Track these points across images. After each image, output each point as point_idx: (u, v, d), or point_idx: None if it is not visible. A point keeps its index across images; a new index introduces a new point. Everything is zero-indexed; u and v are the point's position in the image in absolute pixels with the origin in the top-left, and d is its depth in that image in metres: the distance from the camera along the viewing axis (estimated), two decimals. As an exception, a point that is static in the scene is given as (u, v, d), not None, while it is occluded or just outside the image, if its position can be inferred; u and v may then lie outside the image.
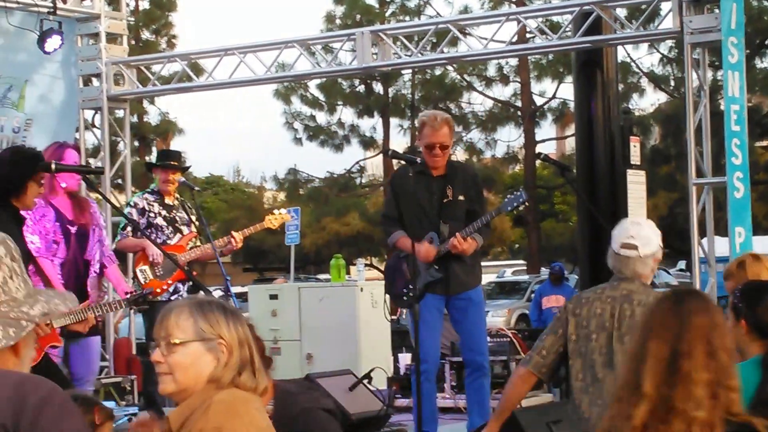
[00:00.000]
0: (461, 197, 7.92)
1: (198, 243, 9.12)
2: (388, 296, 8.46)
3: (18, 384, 2.45)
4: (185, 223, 9.07)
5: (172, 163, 9.12)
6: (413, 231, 7.63)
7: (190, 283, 8.62)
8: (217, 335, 3.38)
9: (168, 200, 9.05)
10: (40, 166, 6.82)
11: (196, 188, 9.13)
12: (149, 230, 8.89)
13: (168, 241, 8.94)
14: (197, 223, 9.10)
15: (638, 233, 5.35)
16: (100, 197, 9.00)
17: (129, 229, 8.95)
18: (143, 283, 8.85)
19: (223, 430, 3.28)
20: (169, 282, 8.81)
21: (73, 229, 7.66)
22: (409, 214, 7.71)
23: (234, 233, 9.08)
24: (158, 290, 8.57)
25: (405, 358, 11.02)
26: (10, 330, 2.53)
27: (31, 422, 2.39)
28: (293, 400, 4.07)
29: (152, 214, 8.96)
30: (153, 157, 9.99)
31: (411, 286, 7.58)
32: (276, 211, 9.68)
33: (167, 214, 9.02)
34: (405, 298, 7.83)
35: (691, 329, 3.11)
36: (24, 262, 2.66)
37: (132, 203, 9.05)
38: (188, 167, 9.45)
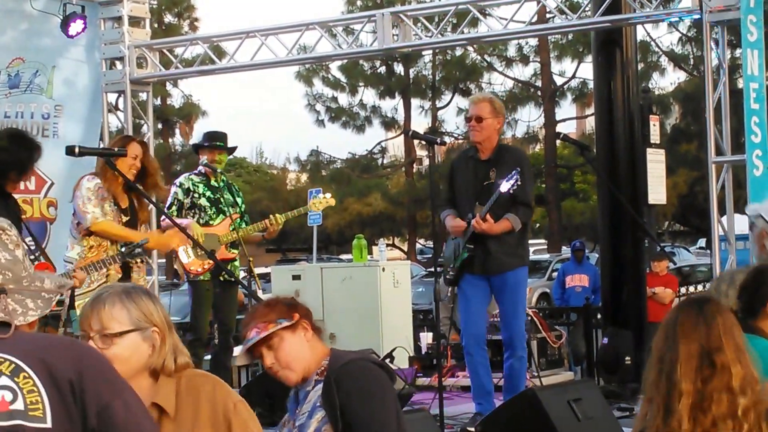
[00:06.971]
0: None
1: (242, 224, 9.20)
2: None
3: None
4: (230, 205, 9.15)
5: (218, 143, 9.25)
6: (459, 212, 8.15)
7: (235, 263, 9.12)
8: (151, 323, 3.42)
9: (213, 181, 9.17)
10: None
11: (219, 170, 9.22)
12: (192, 210, 9.05)
13: (211, 222, 9.05)
14: (243, 206, 9.25)
15: None
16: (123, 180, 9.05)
17: (174, 208, 9.06)
18: (185, 262, 8.99)
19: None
20: (210, 261, 8.82)
21: None
22: (458, 195, 8.24)
23: (276, 216, 9.17)
24: (198, 270, 8.89)
25: (426, 338, 11.10)
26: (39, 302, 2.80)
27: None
28: (344, 355, 4.21)
29: (196, 195, 9.10)
30: (198, 139, 10.02)
31: (452, 266, 8.11)
32: (320, 195, 9.83)
33: (212, 195, 9.12)
34: (448, 277, 8.21)
35: (717, 327, 3.45)
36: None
37: (178, 183, 9.22)
38: (235, 147, 9.55)
